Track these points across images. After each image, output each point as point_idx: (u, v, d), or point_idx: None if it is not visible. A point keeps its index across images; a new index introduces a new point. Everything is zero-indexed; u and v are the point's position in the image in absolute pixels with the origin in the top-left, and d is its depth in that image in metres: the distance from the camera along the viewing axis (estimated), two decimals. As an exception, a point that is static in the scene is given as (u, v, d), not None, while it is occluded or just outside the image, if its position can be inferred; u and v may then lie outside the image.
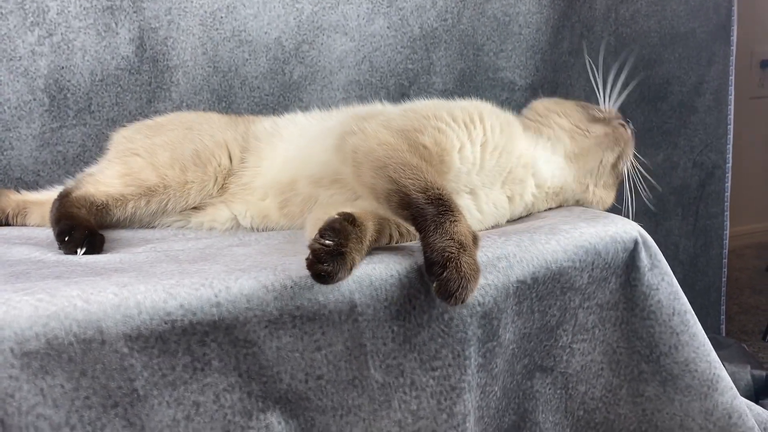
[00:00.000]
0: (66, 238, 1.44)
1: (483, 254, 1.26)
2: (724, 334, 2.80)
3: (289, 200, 1.66)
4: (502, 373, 1.32)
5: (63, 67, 2.13)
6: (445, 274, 1.12)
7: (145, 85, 2.25)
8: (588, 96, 2.69)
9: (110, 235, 1.62)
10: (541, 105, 1.77)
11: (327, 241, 1.09)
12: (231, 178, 1.73)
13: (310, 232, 1.43)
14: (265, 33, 2.33)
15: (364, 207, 1.44)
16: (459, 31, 2.51)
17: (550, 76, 2.62)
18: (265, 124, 1.82)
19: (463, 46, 2.52)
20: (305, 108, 2.38)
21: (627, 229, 1.43)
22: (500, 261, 1.27)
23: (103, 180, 1.64)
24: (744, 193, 3.15)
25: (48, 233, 1.61)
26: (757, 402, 2.27)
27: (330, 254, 1.08)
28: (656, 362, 1.45)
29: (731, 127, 2.64)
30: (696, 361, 1.44)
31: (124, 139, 1.75)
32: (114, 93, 2.21)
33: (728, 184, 2.65)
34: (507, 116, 1.64)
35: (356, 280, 1.15)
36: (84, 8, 2.12)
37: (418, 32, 2.46)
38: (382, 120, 1.52)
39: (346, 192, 1.57)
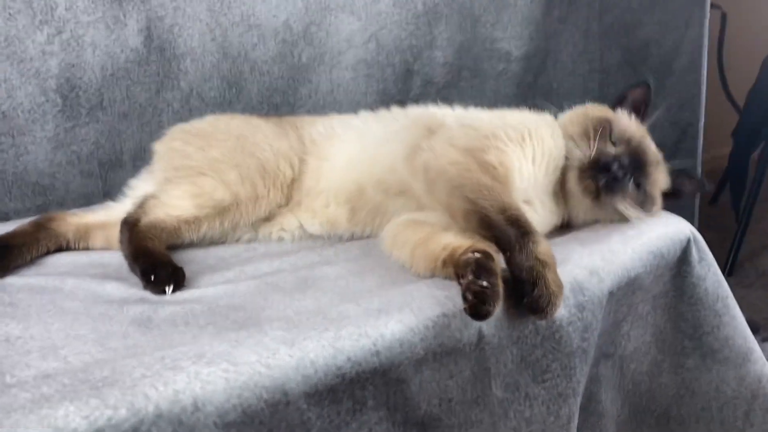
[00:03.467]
0: (152, 278, 1.44)
1: (578, 270, 1.40)
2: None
3: (358, 209, 1.73)
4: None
5: (74, 65, 2.04)
6: (535, 292, 1.24)
7: (153, 76, 2.19)
8: (574, 61, 2.82)
9: (182, 256, 1.64)
10: (575, 112, 1.77)
11: (484, 282, 1.19)
12: (294, 184, 1.76)
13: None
14: (274, 16, 2.29)
15: (438, 218, 1.54)
16: (458, 4, 2.54)
17: (542, 44, 2.71)
18: (318, 127, 1.85)
19: (462, 19, 2.57)
20: (315, 89, 2.40)
21: (681, 228, 1.60)
22: (593, 276, 1.40)
23: (171, 203, 1.63)
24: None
25: (119, 257, 1.60)
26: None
27: (490, 295, 1.18)
28: (698, 339, 1.65)
29: (704, 87, 2.83)
30: (734, 338, 1.65)
31: (177, 154, 1.73)
32: (124, 86, 2.15)
33: (700, 142, 2.87)
34: (551, 124, 1.71)
35: (484, 313, 1.26)
36: (92, 1, 2.03)
37: (421, 8, 2.48)
38: (446, 138, 1.61)
39: (412, 204, 1.66)
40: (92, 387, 1.00)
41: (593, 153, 1.56)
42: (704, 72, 2.80)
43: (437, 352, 1.22)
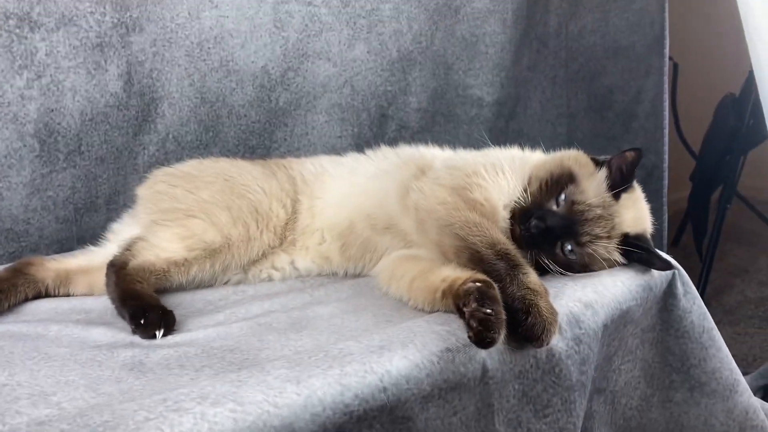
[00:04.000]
0: (141, 321, 1.40)
1: (573, 303, 1.41)
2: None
3: (349, 244, 1.73)
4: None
5: (53, 110, 2.01)
6: (529, 320, 1.26)
7: (132, 120, 2.17)
8: (543, 107, 2.90)
9: (168, 300, 1.60)
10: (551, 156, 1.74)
11: (488, 310, 1.21)
12: (288, 225, 1.76)
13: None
14: (252, 62, 2.31)
15: (424, 254, 1.57)
16: (432, 52, 2.60)
17: (513, 91, 2.78)
18: (307, 166, 1.87)
19: (435, 67, 2.62)
20: (290, 132, 2.41)
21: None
22: (588, 309, 1.42)
23: (160, 245, 1.59)
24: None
25: (103, 302, 1.56)
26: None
27: (495, 322, 1.20)
28: (686, 373, 1.67)
29: (666, 131, 2.94)
30: (721, 370, 1.67)
31: (164, 197, 1.70)
32: (103, 131, 2.12)
33: (665, 182, 2.96)
34: (526, 157, 1.75)
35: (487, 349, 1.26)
36: (73, 47, 2.00)
37: (396, 55, 2.53)
38: (434, 178, 1.65)
39: (398, 240, 1.69)
40: (93, 432, 0.96)
41: (528, 202, 1.54)
42: (666, 116, 2.91)
43: (443, 387, 1.21)
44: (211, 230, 1.63)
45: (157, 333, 1.38)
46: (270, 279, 1.75)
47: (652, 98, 2.93)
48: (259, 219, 1.69)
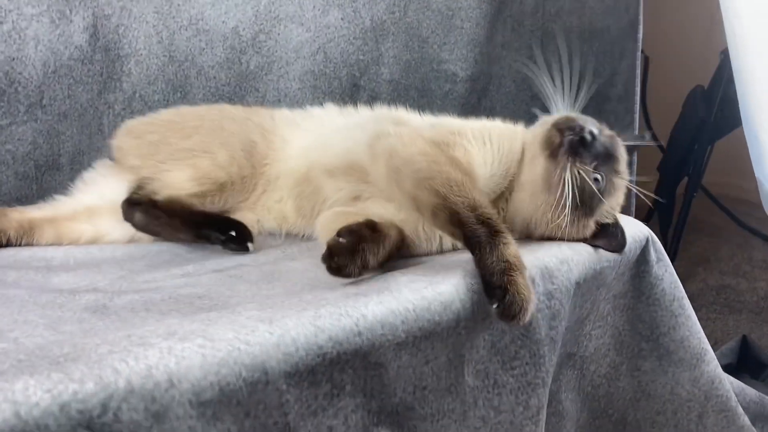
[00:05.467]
0: (233, 234, 1.57)
1: (548, 258, 1.40)
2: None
3: (302, 193, 1.69)
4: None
5: (14, 59, 1.93)
6: (507, 298, 1.20)
7: (96, 76, 2.10)
8: (518, 86, 2.90)
9: (134, 251, 1.55)
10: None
11: (342, 240, 1.27)
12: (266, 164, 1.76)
13: (322, 236, 1.55)
14: (223, 22, 2.25)
15: (372, 211, 1.54)
16: (405, 23, 2.57)
17: (486, 68, 2.77)
18: (277, 114, 1.85)
19: (409, 39, 2.59)
20: (261, 97, 2.37)
21: (640, 228, 1.63)
22: (563, 265, 1.40)
23: (175, 184, 1.62)
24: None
25: (65, 250, 1.51)
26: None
27: (343, 250, 1.25)
28: (655, 341, 1.67)
29: (637, 115, 2.97)
30: (689, 338, 1.68)
31: (161, 145, 1.70)
32: (66, 85, 2.04)
33: (635, 167, 2.98)
34: (515, 131, 1.69)
35: (461, 298, 1.24)
36: (37, -6, 1.92)
37: (369, 24, 2.49)
38: (414, 128, 1.59)
39: (351, 186, 1.62)
40: (52, 362, 0.91)
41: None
42: (637, 100, 2.93)
43: (417, 335, 1.18)
44: (218, 168, 1.66)
45: (249, 245, 1.56)
46: None
47: (624, 82, 2.96)
48: (251, 155, 1.71)
